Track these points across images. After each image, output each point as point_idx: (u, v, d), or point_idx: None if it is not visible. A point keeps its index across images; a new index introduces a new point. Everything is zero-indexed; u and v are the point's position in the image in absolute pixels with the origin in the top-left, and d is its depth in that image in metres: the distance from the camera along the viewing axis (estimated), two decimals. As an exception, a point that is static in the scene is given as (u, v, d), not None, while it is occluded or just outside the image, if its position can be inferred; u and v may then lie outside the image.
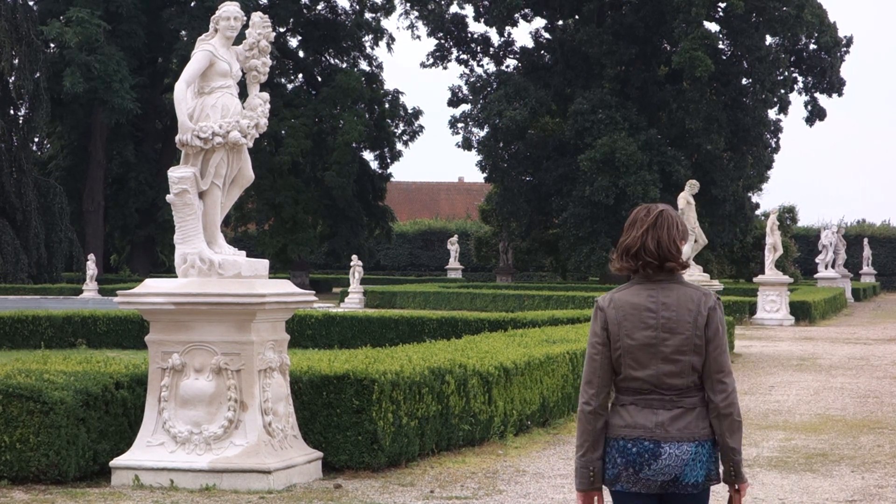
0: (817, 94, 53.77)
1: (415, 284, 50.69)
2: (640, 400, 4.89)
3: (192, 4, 55.02)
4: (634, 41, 49.51)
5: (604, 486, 4.96)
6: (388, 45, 61.95)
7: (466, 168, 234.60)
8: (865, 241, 64.99)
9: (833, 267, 51.76)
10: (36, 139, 58.04)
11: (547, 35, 54.46)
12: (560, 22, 53.73)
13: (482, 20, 53.44)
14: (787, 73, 51.37)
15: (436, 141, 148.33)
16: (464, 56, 55.66)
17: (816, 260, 52.63)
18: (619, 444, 4.88)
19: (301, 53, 61.30)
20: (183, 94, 9.77)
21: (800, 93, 53.90)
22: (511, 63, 55.14)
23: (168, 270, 58.65)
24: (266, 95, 10.17)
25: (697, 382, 4.90)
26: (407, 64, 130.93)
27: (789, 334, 30.38)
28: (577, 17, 52.16)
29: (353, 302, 41.48)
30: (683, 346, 4.86)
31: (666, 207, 4.98)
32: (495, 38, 54.81)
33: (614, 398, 5.00)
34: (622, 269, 4.98)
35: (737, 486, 4.98)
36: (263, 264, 10.09)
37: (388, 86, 62.72)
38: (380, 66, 61.97)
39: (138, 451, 9.55)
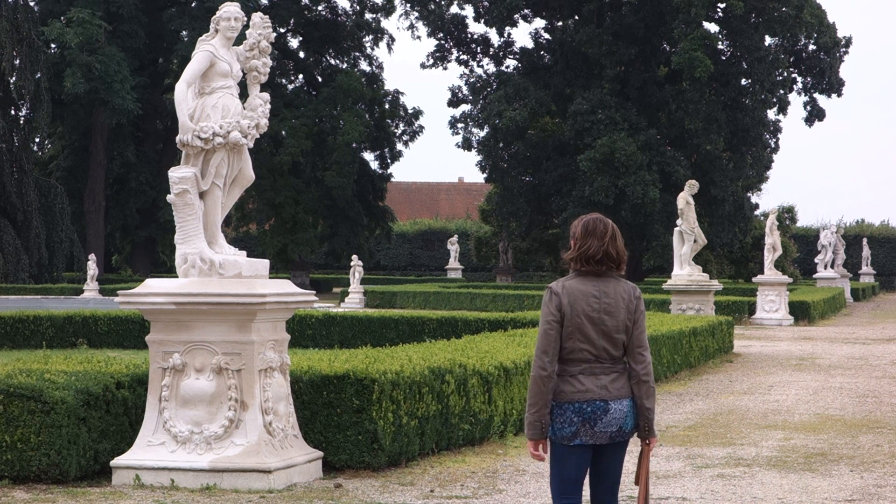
0: (816, 95, 53.77)
1: (415, 284, 50.73)
2: (586, 369, 6.14)
3: (193, 5, 55.04)
4: (634, 42, 49.52)
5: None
6: (389, 46, 61.97)
7: (466, 168, 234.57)
8: (864, 241, 65.01)
9: (832, 267, 51.78)
10: (37, 139, 58.06)
11: (547, 35, 54.46)
12: (560, 22, 53.72)
13: (482, 21, 53.42)
14: (786, 74, 51.37)
15: (436, 141, 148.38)
16: (464, 56, 55.66)
17: (816, 260, 52.66)
18: (575, 407, 6.12)
19: (301, 54, 61.30)
20: (184, 94, 9.79)
21: (799, 93, 53.90)
22: (511, 63, 55.16)
23: (169, 270, 58.68)
24: (266, 96, 10.19)
25: (624, 354, 6.22)
26: (407, 64, 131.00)
27: (788, 334, 30.39)
28: (576, 17, 52.16)
29: (353, 302, 41.51)
30: (618, 326, 6.17)
31: (610, 220, 6.25)
32: (495, 39, 54.83)
33: (560, 370, 6.17)
34: (580, 269, 6.20)
35: (647, 441, 6.26)
36: (264, 264, 10.12)
37: (389, 86, 62.75)
38: (380, 67, 61.97)
39: (139, 451, 9.57)
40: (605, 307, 6.14)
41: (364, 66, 61.32)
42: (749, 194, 53.98)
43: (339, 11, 60.87)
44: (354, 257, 43.41)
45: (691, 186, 29.11)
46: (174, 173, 9.78)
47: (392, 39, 61.57)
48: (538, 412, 6.11)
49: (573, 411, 6.11)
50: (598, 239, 6.17)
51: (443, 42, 55.32)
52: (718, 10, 49.20)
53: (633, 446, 6.83)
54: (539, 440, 6.15)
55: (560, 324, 6.12)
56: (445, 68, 55.85)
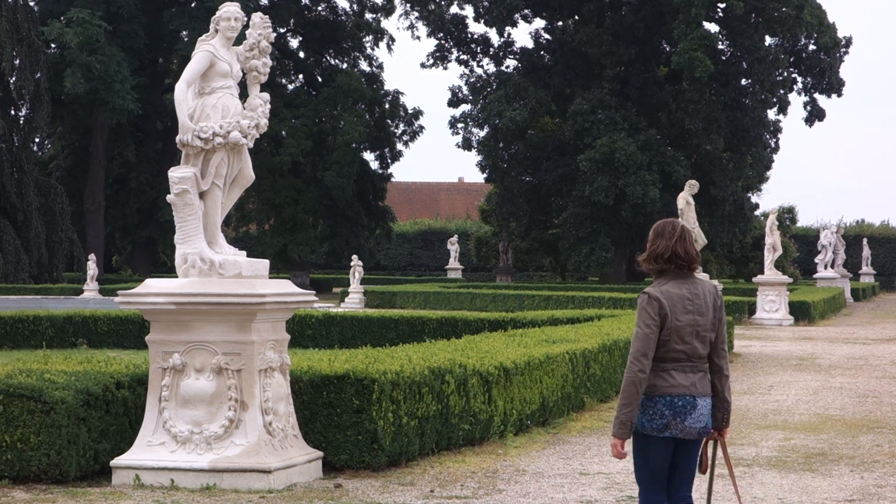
0: (816, 95, 53.81)
1: (415, 284, 50.70)
2: (678, 366, 6.44)
3: (193, 5, 55.03)
4: (634, 42, 49.52)
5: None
6: (389, 46, 61.98)
7: (466, 168, 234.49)
8: (864, 241, 65.00)
9: (832, 267, 51.78)
10: (37, 139, 58.03)
11: (547, 35, 54.46)
12: (560, 22, 53.73)
13: (482, 21, 53.45)
14: (786, 74, 51.39)
15: (436, 141, 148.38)
16: (464, 56, 55.67)
17: (816, 260, 52.65)
18: (666, 400, 6.40)
19: (301, 54, 61.30)
20: (183, 94, 9.78)
21: (799, 93, 53.94)
22: (511, 63, 55.18)
23: (169, 270, 58.62)
24: (266, 96, 10.19)
25: (708, 352, 6.54)
26: (407, 64, 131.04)
27: (788, 334, 30.39)
28: (576, 17, 52.16)
29: (353, 302, 41.50)
30: (708, 325, 6.51)
31: (683, 223, 6.68)
32: (495, 39, 54.85)
33: (653, 366, 6.44)
34: (652, 269, 6.59)
35: (722, 431, 6.65)
36: (264, 264, 10.11)
37: (389, 86, 62.77)
38: (380, 67, 61.98)
39: (139, 451, 9.57)
40: (697, 308, 6.47)
41: (364, 66, 61.38)
42: (749, 194, 53.98)
43: (339, 11, 60.89)
44: (354, 257, 43.39)
45: (691, 186, 29.10)
46: (174, 173, 9.78)
47: (392, 39, 61.61)
48: (631, 412, 6.39)
49: (664, 404, 6.40)
50: (666, 239, 6.55)
51: (443, 42, 55.33)
52: (718, 10, 49.19)
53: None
54: (625, 439, 6.45)
55: (659, 327, 6.39)
56: (445, 68, 55.92)
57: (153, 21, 55.10)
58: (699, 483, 9.96)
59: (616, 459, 11.04)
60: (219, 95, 9.89)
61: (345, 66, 60.33)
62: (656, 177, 46.70)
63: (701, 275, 29.57)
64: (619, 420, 6.40)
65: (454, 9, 54.81)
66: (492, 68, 55.35)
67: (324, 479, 9.88)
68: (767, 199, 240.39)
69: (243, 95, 10.07)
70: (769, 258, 35.80)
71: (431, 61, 55.53)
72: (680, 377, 6.41)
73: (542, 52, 54.22)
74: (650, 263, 6.60)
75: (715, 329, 6.52)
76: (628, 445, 6.51)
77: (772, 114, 52.80)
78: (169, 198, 9.79)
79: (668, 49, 51.32)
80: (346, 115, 55.12)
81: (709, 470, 6.76)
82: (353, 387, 9.96)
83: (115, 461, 9.58)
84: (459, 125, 54.01)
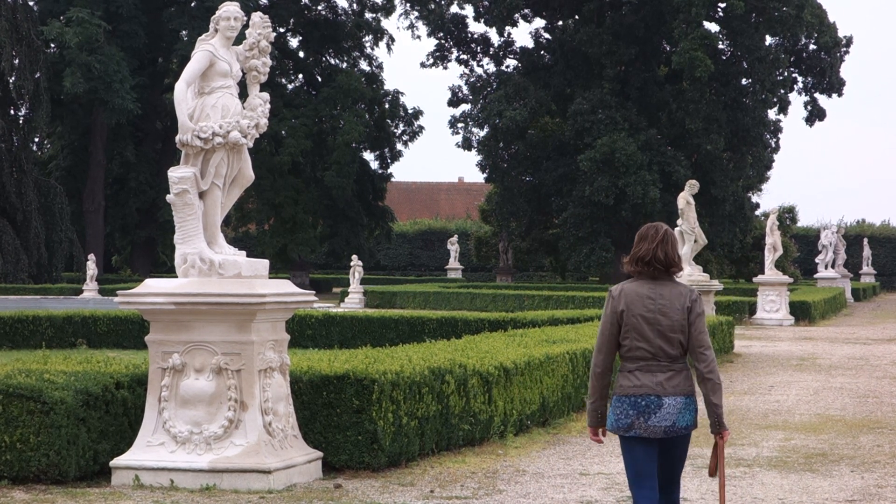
0: (817, 95, 53.80)
1: (415, 284, 50.71)
2: (643, 366, 6.56)
3: (193, 4, 55.02)
4: (634, 41, 49.52)
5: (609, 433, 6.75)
6: (388, 46, 61.96)
7: (466, 168, 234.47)
8: (865, 241, 65.01)
9: (833, 267, 51.78)
10: (36, 139, 58.04)
11: (547, 35, 54.46)
12: (560, 22, 53.73)
13: (482, 20, 53.46)
14: (786, 74, 51.39)
15: (436, 141, 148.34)
16: (464, 56, 55.68)
17: (816, 260, 52.66)
18: (631, 400, 6.55)
19: (301, 53, 61.30)
20: (183, 94, 9.77)
21: (799, 93, 53.93)
22: (511, 63, 55.18)
23: (169, 270, 58.62)
24: (266, 95, 10.18)
25: (684, 353, 6.63)
26: (407, 64, 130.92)
27: (789, 334, 30.39)
28: (576, 17, 52.17)
29: (353, 302, 41.50)
30: (674, 326, 6.57)
31: (667, 227, 6.72)
32: (495, 39, 54.86)
33: (622, 366, 6.65)
34: (633, 271, 6.67)
35: (720, 434, 6.65)
36: (263, 264, 10.10)
37: (389, 86, 62.74)
38: (380, 67, 61.98)
39: (138, 451, 9.56)
40: (660, 308, 6.57)
41: (364, 65, 61.36)
42: (749, 194, 54.00)
43: (339, 11, 60.88)
44: (354, 257, 43.37)
45: (692, 186, 29.07)
46: (174, 173, 9.77)
47: (392, 39, 61.57)
48: (594, 403, 6.73)
49: (629, 404, 6.56)
50: (649, 242, 6.66)
51: (443, 42, 55.33)
52: (719, 9, 49.21)
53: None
54: (596, 427, 6.78)
55: (617, 325, 6.60)
56: (445, 68, 55.94)
57: (153, 21, 55.09)
58: (699, 483, 9.96)
59: (616, 460, 11.05)
60: (218, 95, 9.88)
61: (345, 65, 60.33)
62: (656, 177, 46.70)
63: (701, 274, 29.61)
64: (587, 410, 6.81)
65: (454, 8, 54.85)
66: (492, 68, 55.37)
67: (324, 479, 9.87)
68: (768, 199, 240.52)
69: (243, 95, 10.06)
70: (769, 258, 35.79)
71: (431, 61, 55.54)
72: (644, 377, 6.54)
73: (542, 52, 54.22)
74: (631, 266, 6.73)
75: (684, 331, 6.55)
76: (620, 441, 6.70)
77: (772, 114, 52.82)
78: (169, 198, 9.78)
79: (668, 49, 51.32)
80: (345, 115, 55.12)
81: (720, 473, 6.80)
82: (353, 387, 9.95)
83: (115, 461, 9.57)
84: (459, 125, 54.03)
